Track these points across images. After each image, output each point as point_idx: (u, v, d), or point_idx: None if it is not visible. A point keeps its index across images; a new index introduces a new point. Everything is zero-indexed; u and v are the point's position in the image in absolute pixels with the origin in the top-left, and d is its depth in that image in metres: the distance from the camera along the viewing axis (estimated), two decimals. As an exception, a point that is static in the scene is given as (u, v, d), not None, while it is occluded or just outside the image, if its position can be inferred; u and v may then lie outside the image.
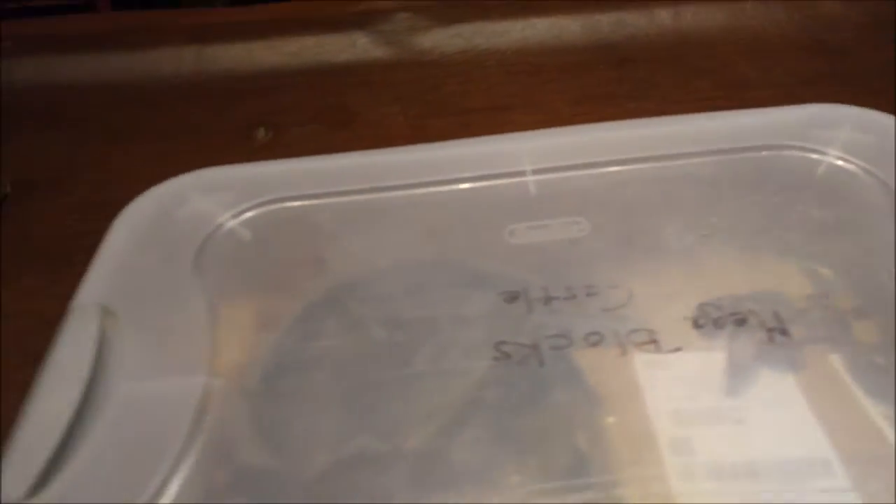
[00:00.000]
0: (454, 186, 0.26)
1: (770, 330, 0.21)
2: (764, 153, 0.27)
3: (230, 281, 0.24)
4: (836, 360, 0.20)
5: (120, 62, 0.39)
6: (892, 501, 0.17)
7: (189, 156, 0.28)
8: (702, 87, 0.34)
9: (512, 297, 0.22)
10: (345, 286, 0.23)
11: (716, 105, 0.33)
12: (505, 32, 0.38)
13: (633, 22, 0.38)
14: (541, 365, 0.20)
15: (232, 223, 0.25)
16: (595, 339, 0.21)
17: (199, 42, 0.39)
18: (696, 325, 0.21)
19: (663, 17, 0.38)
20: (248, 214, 0.26)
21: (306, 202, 0.26)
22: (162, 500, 0.18)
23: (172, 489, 0.18)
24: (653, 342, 0.21)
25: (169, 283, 0.23)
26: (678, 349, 0.21)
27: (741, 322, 0.21)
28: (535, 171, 0.26)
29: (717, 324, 0.21)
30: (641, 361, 0.20)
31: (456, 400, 0.20)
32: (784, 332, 0.21)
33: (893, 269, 0.22)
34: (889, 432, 0.18)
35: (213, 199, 0.26)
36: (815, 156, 0.26)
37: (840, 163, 0.26)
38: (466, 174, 0.26)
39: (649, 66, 0.36)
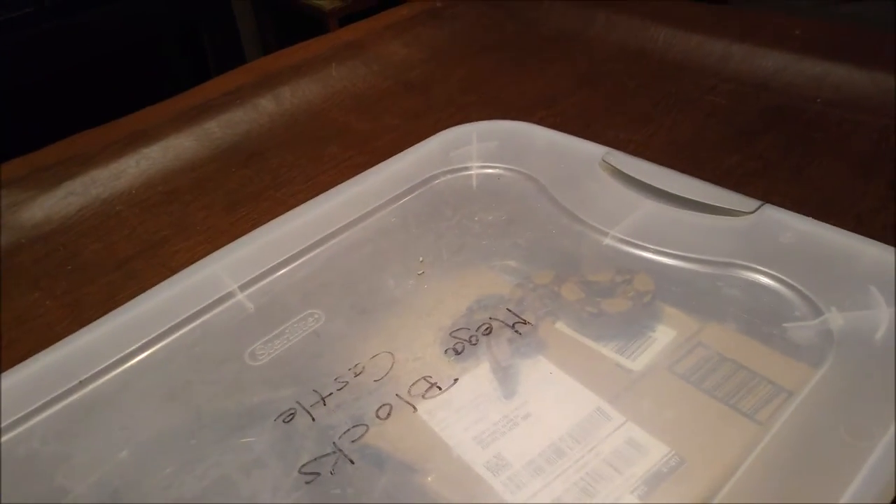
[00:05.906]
0: (165, 341, 0.24)
1: (513, 325, 0.23)
2: (426, 187, 0.30)
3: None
4: (564, 325, 0.23)
5: None
6: (652, 413, 0.20)
7: None
8: (333, 153, 0.36)
9: (289, 416, 0.21)
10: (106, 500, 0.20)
11: (354, 163, 0.35)
12: (120, 173, 0.36)
13: (241, 118, 0.38)
14: (353, 463, 0.20)
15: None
16: (385, 411, 0.21)
17: None
18: (457, 352, 0.23)
19: (265, 104, 0.39)
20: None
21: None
22: None
23: None
24: (433, 385, 0.22)
25: None
26: (455, 380, 0.22)
27: (489, 331, 0.23)
28: (243, 287, 0.25)
29: (472, 342, 0.23)
30: (430, 409, 0.21)
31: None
32: (524, 322, 0.24)
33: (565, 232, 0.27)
34: (620, 360, 0.22)
35: None
36: (464, 172, 0.30)
37: (487, 171, 0.30)
38: (174, 322, 0.24)
39: (277, 152, 0.37)
